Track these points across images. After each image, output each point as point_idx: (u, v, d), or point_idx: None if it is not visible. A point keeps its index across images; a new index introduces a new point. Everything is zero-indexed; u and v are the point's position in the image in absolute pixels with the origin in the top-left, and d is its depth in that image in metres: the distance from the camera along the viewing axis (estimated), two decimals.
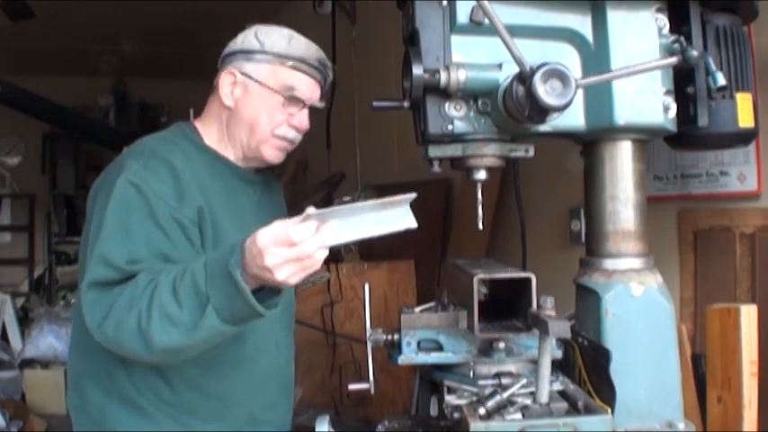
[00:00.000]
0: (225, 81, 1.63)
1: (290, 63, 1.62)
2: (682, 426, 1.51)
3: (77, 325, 1.61)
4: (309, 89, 1.66)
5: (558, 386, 1.51)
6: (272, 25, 1.66)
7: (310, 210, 1.25)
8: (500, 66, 1.45)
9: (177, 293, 1.31)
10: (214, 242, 1.52)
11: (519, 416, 1.37)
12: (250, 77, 1.62)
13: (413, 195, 1.34)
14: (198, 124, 1.70)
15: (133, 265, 1.39)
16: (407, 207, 1.33)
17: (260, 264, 1.25)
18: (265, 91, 1.62)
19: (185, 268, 1.34)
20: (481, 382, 1.52)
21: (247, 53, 1.63)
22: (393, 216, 1.33)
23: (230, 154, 1.67)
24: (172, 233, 1.45)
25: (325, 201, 3.69)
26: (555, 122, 1.48)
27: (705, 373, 1.81)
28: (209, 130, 1.68)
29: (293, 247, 1.24)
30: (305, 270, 1.28)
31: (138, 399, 1.54)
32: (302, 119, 1.66)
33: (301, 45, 1.64)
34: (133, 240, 1.42)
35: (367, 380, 1.56)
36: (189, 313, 1.30)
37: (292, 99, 1.63)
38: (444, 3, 1.47)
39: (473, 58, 1.47)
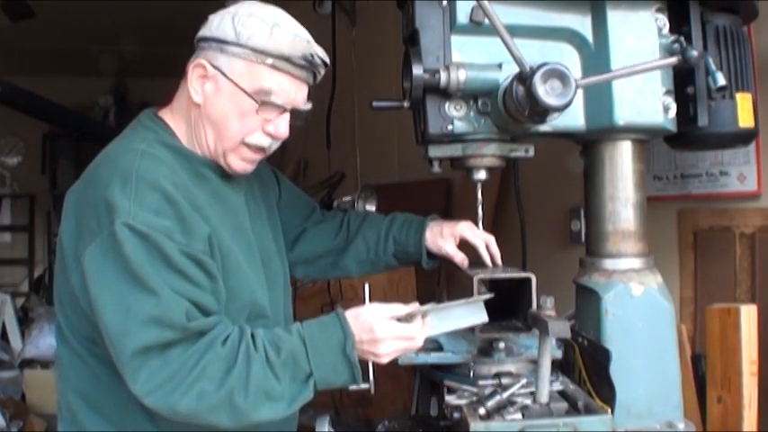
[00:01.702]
0: (195, 73, 1.40)
1: (270, 61, 1.37)
2: (682, 426, 1.51)
3: (67, 357, 1.44)
4: (291, 92, 1.42)
5: (558, 386, 1.51)
6: (256, 4, 1.41)
7: (416, 305, 1.40)
8: (500, 66, 1.45)
9: (274, 369, 1.30)
10: (223, 264, 1.40)
11: (519, 416, 1.37)
12: (222, 73, 1.38)
13: (490, 295, 1.46)
14: (167, 117, 1.47)
15: (190, 322, 1.27)
16: (481, 304, 1.47)
17: (371, 350, 1.36)
18: (238, 92, 1.38)
19: (274, 341, 1.33)
20: (481, 382, 1.52)
21: (221, 43, 1.38)
22: (472, 312, 1.46)
23: (199, 151, 1.46)
24: (191, 273, 1.29)
25: (326, 201, 3.68)
26: (555, 122, 1.48)
27: (705, 373, 1.81)
28: (178, 126, 1.46)
29: (406, 341, 1.38)
30: (403, 355, 1.43)
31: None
32: (279, 125, 1.42)
33: (286, 38, 1.37)
34: (171, 293, 1.27)
35: (367, 380, 1.56)
36: (288, 388, 1.31)
37: (268, 104, 1.39)
38: (444, 3, 1.47)
39: (473, 58, 1.47)
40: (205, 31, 1.42)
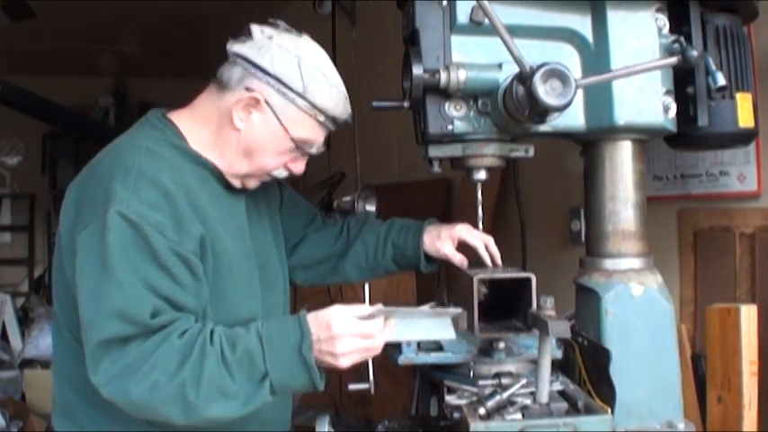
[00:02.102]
0: (244, 101, 1.42)
1: (322, 119, 1.46)
2: (682, 426, 1.51)
3: (63, 351, 1.47)
4: (321, 141, 1.52)
5: (558, 386, 1.51)
6: (315, 53, 1.46)
7: (379, 306, 1.36)
8: (500, 66, 1.45)
9: (229, 366, 1.28)
10: (214, 265, 1.42)
11: (519, 416, 1.37)
12: (275, 113, 1.43)
13: (459, 311, 1.45)
14: (180, 121, 1.49)
15: (154, 319, 1.28)
16: (449, 320, 1.44)
17: (328, 348, 1.32)
18: (283, 134, 1.45)
19: (232, 338, 1.31)
20: (481, 382, 1.52)
21: (285, 86, 1.42)
22: (438, 326, 1.44)
23: (217, 159, 1.49)
24: (176, 272, 1.31)
25: (326, 201, 3.68)
26: (555, 122, 1.48)
27: (705, 373, 1.80)
28: (198, 133, 1.48)
29: (366, 339, 1.34)
30: (365, 358, 1.37)
31: (152, 428, 1.40)
32: (300, 167, 1.53)
33: (340, 100, 1.47)
34: (141, 288, 1.28)
35: (367, 380, 1.56)
36: (241, 386, 1.29)
37: (303, 151, 1.50)
38: (444, 3, 1.47)
39: (473, 58, 1.47)
40: (265, 63, 1.42)
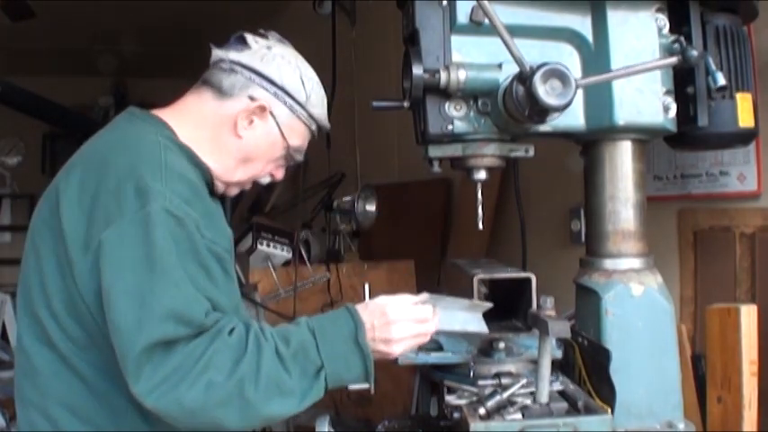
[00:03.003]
0: (251, 108, 1.42)
1: (314, 127, 1.51)
2: (682, 426, 1.51)
3: (51, 365, 1.32)
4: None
5: (558, 386, 1.51)
6: (307, 64, 1.51)
7: (426, 295, 1.39)
8: (500, 66, 1.45)
9: (284, 361, 1.24)
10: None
11: (519, 416, 1.37)
12: (277, 123, 1.45)
13: (490, 305, 1.49)
14: (171, 119, 1.43)
15: (206, 318, 1.21)
16: (481, 315, 1.49)
17: (382, 336, 1.32)
18: (281, 142, 1.47)
19: (283, 333, 1.28)
20: (481, 382, 1.52)
21: (290, 97, 1.45)
22: (474, 318, 1.48)
23: (210, 164, 1.44)
24: (213, 271, 1.27)
25: (325, 201, 3.69)
26: (555, 122, 1.48)
27: (705, 373, 1.80)
28: (190, 134, 1.42)
29: (421, 324, 1.35)
30: (416, 345, 1.38)
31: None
32: (283, 173, 1.55)
33: (326, 110, 1.53)
34: (193, 288, 1.22)
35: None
36: (298, 382, 1.25)
37: (291, 158, 1.52)
38: (444, 3, 1.47)
39: (473, 58, 1.47)
40: (267, 71, 1.43)
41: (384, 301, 1.35)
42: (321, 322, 1.32)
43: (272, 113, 1.44)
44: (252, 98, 1.43)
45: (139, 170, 1.26)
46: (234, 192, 1.53)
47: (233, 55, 1.44)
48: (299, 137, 1.49)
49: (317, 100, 1.49)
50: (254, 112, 1.43)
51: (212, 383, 1.18)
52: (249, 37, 1.47)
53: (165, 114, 1.45)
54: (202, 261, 1.25)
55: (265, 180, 1.54)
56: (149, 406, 1.18)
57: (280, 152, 1.49)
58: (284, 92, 1.44)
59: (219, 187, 1.49)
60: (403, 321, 1.33)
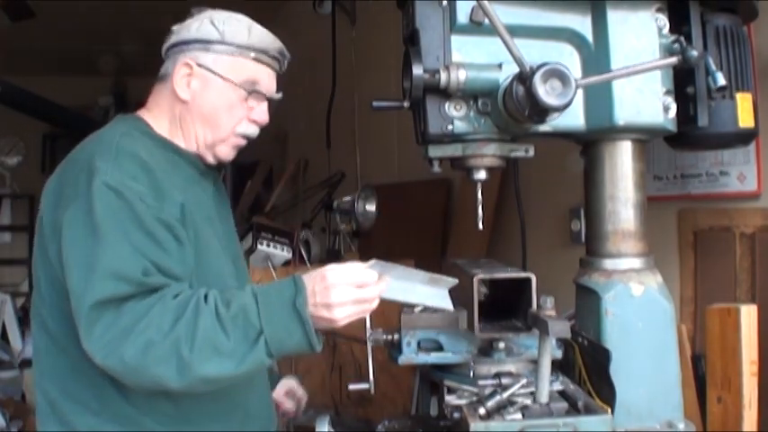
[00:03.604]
0: (180, 72, 1.50)
1: (253, 55, 1.52)
2: (682, 426, 1.51)
3: (46, 346, 1.46)
4: (270, 82, 1.57)
5: (558, 386, 1.51)
6: (224, 11, 1.55)
7: (374, 261, 1.35)
8: (500, 66, 1.45)
9: (223, 323, 1.28)
10: (195, 242, 1.43)
11: (519, 416, 1.37)
12: (210, 70, 1.50)
13: (455, 281, 1.47)
14: (146, 116, 1.56)
15: (150, 277, 1.29)
16: (446, 291, 1.46)
17: (323, 300, 1.31)
18: (227, 85, 1.50)
19: (226, 297, 1.32)
20: (481, 382, 1.52)
21: (205, 43, 1.51)
22: (436, 293, 1.44)
23: (182, 144, 1.55)
24: (160, 237, 1.34)
25: (325, 201, 3.68)
26: (555, 122, 1.48)
27: (705, 373, 1.80)
28: (159, 123, 1.54)
29: (360, 288, 1.33)
30: (360, 314, 1.35)
31: (138, 416, 1.43)
32: (262, 113, 1.56)
33: (262, 35, 1.54)
34: (131, 249, 1.30)
35: (367, 380, 1.56)
36: (237, 345, 1.28)
37: (255, 94, 1.53)
38: (444, 3, 1.47)
39: (473, 58, 1.47)
40: (182, 36, 1.53)
41: (327, 267, 1.34)
42: (265, 288, 1.34)
43: (199, 65, 1.50)
44: (180, 63, 1.51)
45: (93, 154, 1.39)
46: (225, 153, 1.56)
47: (164, 47, 1.56)
48: (242, 70, 1.51)
49: (235, 30, 1.51)
50: (184, 73, 1.50)
51: (150, 342, 1.25)
52: (176, 26, 1.56)
53: (140, 113, 1.57)
54: (147, 228, 1.32)
55: (249, 129, 1.56)
56: (99, 363, 1.28)
57: (235, 94, 1.51)
58: (197, 41, 1.51)
59: (208, 157, 1.55)
60: (342, 285, 1.31)
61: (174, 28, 1.56)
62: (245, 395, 1.58)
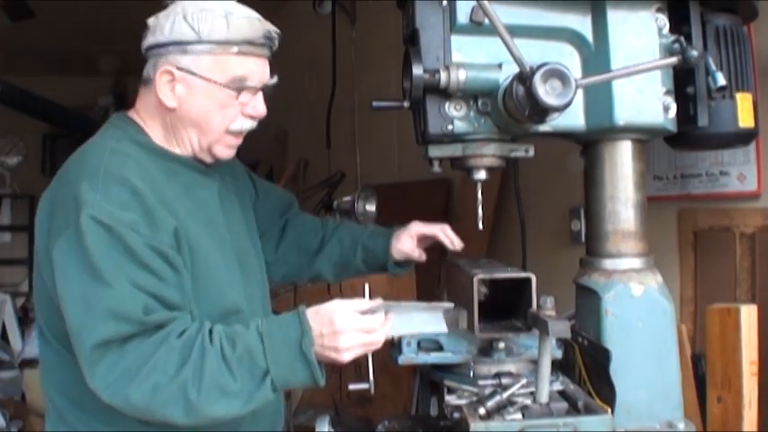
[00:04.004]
0: (161, 81, 1.42)
1: (235, 49, 1.40)
2: (682, 426, 1.51)
3: (50, 359, 1.46)
4: (260, 71, 1.46)
5: (558, 386, 1.51)
6: (195, 3, 1.42)
7: (379, 301, 1.39)
8: (500, 66, 1.45)
9: (229, 364, 1.28)
10: (191, 258, 1.40)
11: (519, 416, 1.37)
12: (192, 73, 1.41)
13: (450, 305, 1.51)
14: (138, 119, 1.50)
15: (147, 315, 1.27)
16: (441, 315, 1.52)
17: (330, 344, 1.33)
18: (213, 86, 1.41)
19: (231, 336, 1.31)
20: (481, 382, 1.52)
21: (181, 44, 1.40)
22: (431, 319, 1.51)
23: (178, 150, 1.49)
24: (155, 267, 1.30)
25: (326, 201, 3.68)
26: (555, 122, 1.48)
27: (705, 373, 1.80)
28: (153, 131, 1.48)
29: (369, 333, 1.35)
30: (366, 352, 1.38)
31: (143, 426, 1.39)
32: (257, 106, 1.47)
33: (242, 23, 1.41)
34: (129, 287, 1.27)
35: (367, 380, 1.56)
36: (243, 385, 1.29)
37: (244, 89, 1.44)
38: (444, 3, 1.47)
39: (473, 58, 1.47)
40: (158, 38, 1.42)
41: (333, 308, 1.35)
42: (270, 327, 1.34)
43: (180, 69, 1.41)
44: (160, 70, 1.42)
45: (79, 179, 1.33)
46: (223, 152, 1.50)
47: (143, 45, 1.46)
48: (226, 69, 1.42)
49: (210, 26, 1.39)
50: (166, 80, 1.42)
51: (157, 386, 1.26)
52: (150, 19, 1.45)
53: (134, 113, 1.51)
54: (140, 259, 1.29)
55: (246, 125, 1.48)
56: (105, 400, 1.28)
57: (223, 93, 1.43)
58: (174, 44, 1.40)
59: (206, 158, 1.50)
60: (350, 332, 1.33)
61: (150, 22, 1.45)
62: None
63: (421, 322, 1.49)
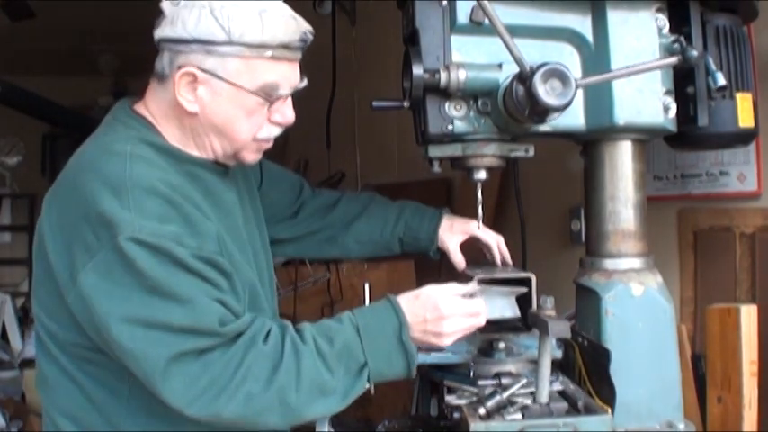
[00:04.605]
0: (181, 82, 1.27)
1: (269, 54, 1.27)
2: (682, 426, 1.51)
3: (55, 376, 1.33)
4: (293, 76, 1.34)
5: (558, 386, 1.51)
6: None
7: (474, 284, 1.40)
8: (500, 66, 1.45)
9: (327, 361, 1.25)
10: (229, 262, 1.31)
11: (519, 416, 1.37)
12: (217, 77, 1.26)
13: (524, 289, 1.50)
14: (148, 116, 1.36)
15: (224, 326, 1.19)
16: (514, 300, 1.51)
17: (435, 329, 1.32)
18: (240, 92, 1.28)
19: (325, 333, 1.28)
20: (481, 382, 1.52)
21: (207, 44, 1.24)
22: (509, 305, 1.50)
23: (196, 153, 1.36)
24: (210, 277, 1.21)
25: None
26: (555, 122, 1.48)
27: (705, 373, 1.80)
28: (166, 129, 1.34)
29: (473, 317, 1.35)
30: (464, 337, 1.37)
31: None
32: (286, 113, 1.35)
33: (279, 23, 1.27)
34: (200, 298, 1.19)
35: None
36: (340, 381, 1.27)
37: (274, 98, 1.32)
38: (444, 3, 1.47)
39: (473, 58, 1.47)
40: (178, 32, 1.25)
41: (436, 294, 1.34)
42: (366, 320, 1.31)
43: (204, 71, 1.26)
44: (179, 68, 1.27)
45: (103, 195, 1.20)
46: (250, 157, 1.39)
47: (156, 33, 1.29)
48: (257, 74, 1.28)
49: (245, 27, 1.24)
50: (187, 81, 1.27)
51: (251, 395, 1.19)
52: (165, 4, 1.29)
53: (143, 108, 1.38)
54: (194, 271, 1.20)
55: (274, 132, 1.37)
56: (190, 416, 1.19)
57: (251, 100, 1.29)
58: (199, 42, 1.24)
59: (230, 162, 1.40)
60: (456, 316, 1.33)
61: (166, 9, 1.28)
62: None
63: (504, 308, 1.48)
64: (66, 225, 1.25)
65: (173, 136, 1.35)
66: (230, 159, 1.40)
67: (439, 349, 1.60)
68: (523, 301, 1.50)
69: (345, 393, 1.28)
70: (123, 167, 1.23)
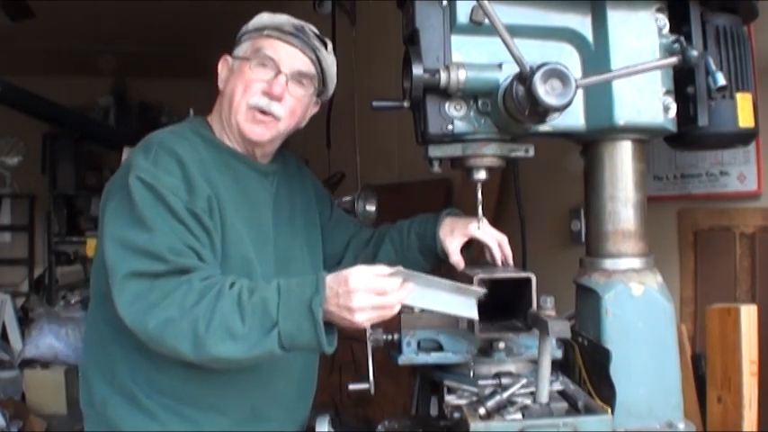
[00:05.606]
0: (221, 69, 1.70)
1: (266, 32, 1.64)
2: (682, 426, 1.51)
3: (93, 319, 1.66)
4: (283, 53, 1.63)
5: (558, 386, 1.51)
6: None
7: (399, 268, 1.39)
8: (500, 66, 1.45)
9: (243, 309, 1.36)
10: (222, 234, 1.54)
11: (519, 416, 1.37)
12: (235, 57, 1.67)
13: (483, 291, 1.47)
14: (209, 117, 1.72)
15: (178, 257, 1.41)
16: (474, 301, 1.46)
17: (344, 303, 1.35)
18: (241, 63, 1.64)
19: (252, 287, 1.40)
20: (481, 382, 1.52)
21: (238, 38, 1.69)
22: (461, 302, 1.46)
23: (229, 143, 1.68)
24: (191, 226, 1.46)
25: None
26: (555, 122, 1.48)
27: (705, 373, 1.80)
28: (214, 122, 1.69)
29: (381, 295, 1.36)
30: (380, 318, 1.39)
31: (135, 391, 1.57)
32: (276, 83, 1.60)
33: (280, 17, 1.66)
34: (166, 232, 1.44)
35: (367, 380, 1.56)
36: (251, 331, 1.35)
37: (262, 59, 1.61)
38: (444, 3, 1.47)
39: (473, 58, 1.47)
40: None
41: (351, 270, 1.37)
42: (290, 284, 1.39)
43: (230, 56, 1.69)
44: (222, 61, 1.72)
45: (139, 152, 1.54)
46: (247, 129, 1.62)
47: None
48: (255, 46, 1.64)
49: (257, 19, 1.68)
50: (221, 68, 1.70)
51: (171, 318, 1.37)
52: None
53: (210, 113, 1.73)
54: (179, 217, 1.45)
55: (262, 102, 1.61)
56: (128, 324, 1.42)
57: (246, 66, 1.62)
58: (235, 41, 1.70)
59: (246, 129, 1.63)
60: (362, 292, 1.34)
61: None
62: (251, 389, 1.59)
63: (451, 303, 1.44)
64: (112, 188, 1.57)
65: (217, 127, 1.68)
66: (236, 131, 1.64)
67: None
68: (524, 302, 1.50)
69: (253, 345, 1.35)
70: (160, 136, 1.58)
